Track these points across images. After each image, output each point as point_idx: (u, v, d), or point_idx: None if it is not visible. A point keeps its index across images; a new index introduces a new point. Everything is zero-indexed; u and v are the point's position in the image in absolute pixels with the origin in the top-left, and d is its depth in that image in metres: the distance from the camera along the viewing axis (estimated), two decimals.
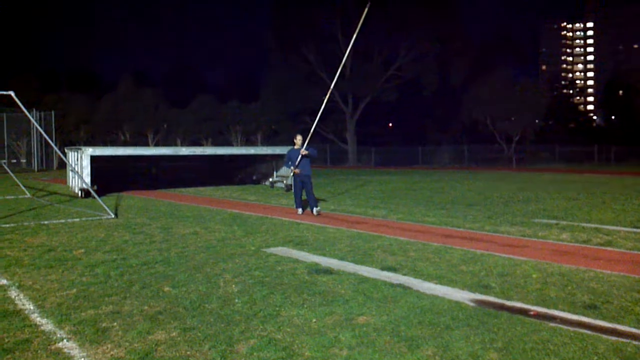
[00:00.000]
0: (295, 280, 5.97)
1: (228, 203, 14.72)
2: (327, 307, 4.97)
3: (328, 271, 6.34)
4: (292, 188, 12.39)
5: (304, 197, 12.24)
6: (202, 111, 52.09)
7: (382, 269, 6.47)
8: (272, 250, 7.74)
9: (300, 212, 11.97)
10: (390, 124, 58.79)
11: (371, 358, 3.82)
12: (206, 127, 51.70)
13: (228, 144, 48.47)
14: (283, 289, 5.62)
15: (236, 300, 5.21)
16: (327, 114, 47.82)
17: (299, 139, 12.20)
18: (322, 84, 43.82)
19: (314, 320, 4.62)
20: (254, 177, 21.90)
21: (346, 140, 50.08)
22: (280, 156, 20.04)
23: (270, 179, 20.80)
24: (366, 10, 12.12)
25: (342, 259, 7.07)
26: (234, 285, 5.77)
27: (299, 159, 11.91)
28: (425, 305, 4.99)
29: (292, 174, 12.10)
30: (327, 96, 12.84)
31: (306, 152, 11.97)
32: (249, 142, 50.14)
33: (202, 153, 19.87)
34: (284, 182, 19.02)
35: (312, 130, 12.69)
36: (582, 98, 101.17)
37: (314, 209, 11.80)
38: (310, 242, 8.40)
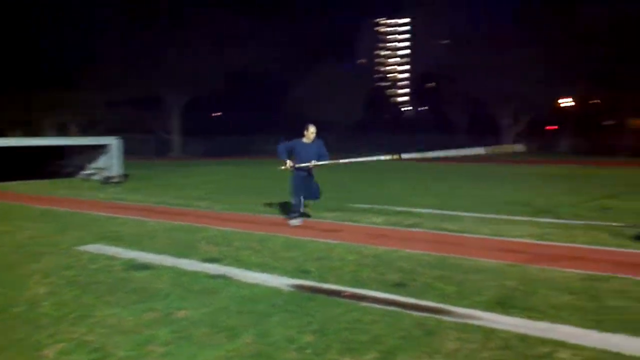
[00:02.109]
0: (110, 278, 5.64)
1: (38, 199, 13.50)
2: (144, 303, 4.77)
3: (145, 266, 6.08)
4: (292, 187, 9.03)
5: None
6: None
7: (204, 260, 6.36)
8: (86, 247, 7.24)
9: (297, 223, 8.88)
10: (218, 114, 58.22)
11: (189, 352, 3.74)
12: (10, 116, 46.72)
13: (39, 134, 44.38)
14: (96, 288, 5.28)
15: (44, 303, 4.80)
16: (150, 103, 46.08)
17: (311, 130, 8.91)
18: (144, 72, 42.05)
19: (129, 318, 4.40)
20: (67, 170, 20.33)
21: (171, 130, 48.61)
22: (96, 147, 18.86)
23: (85, 172, 19.47)
24: None
25: (161, 252, 6.83)
26: (43, 287, 5.31)
27: (308, 157, 8.88)
28: (245, 295, 5.00)
29: (290, 169, 8.95)
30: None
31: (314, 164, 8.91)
32: (62, 133, 46.38)
33: (4, 144, 17.95)
34: (101, 174, 17.92)
35: None
36: (397, 90, 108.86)
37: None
38: (127, 237, 7.99)
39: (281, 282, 5.42)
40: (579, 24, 40.34)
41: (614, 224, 8.52)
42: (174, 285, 5.33)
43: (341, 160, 9.37)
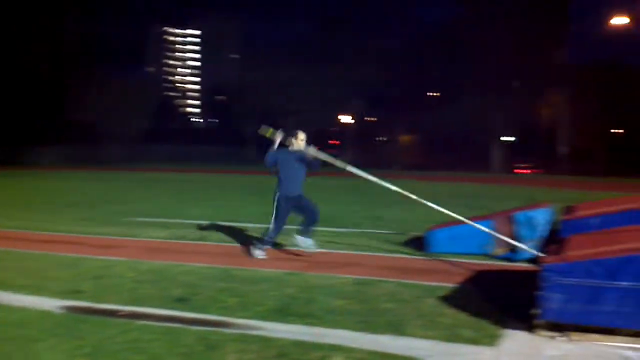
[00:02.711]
0: None
1: None
2: None
3: None
4: (275, 215, 7.11)
5: None
6: None
7: None
8: None
9: (262, 255, 7.13)
10: None
11: None
12: None
13: None
14: None
15: None
16: None
17: (301, 137, 7.15)
18: None
19: None
20: None
21: None
22: None
23: None
24: None
25: None
26: None
27: (296, 173, 7.14)
28: (12, 319, 4.49)
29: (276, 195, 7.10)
30: None
31: (314, 155, 7.19)
32: None
33: None
34: None
35: None
36: (187, 101, 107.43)
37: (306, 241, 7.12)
38: None
39: (52, 304, 4.94)
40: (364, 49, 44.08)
41: (384, 231, 9.35)
42: None
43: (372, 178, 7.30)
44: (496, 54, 38.54)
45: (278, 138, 7.21)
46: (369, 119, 52.94)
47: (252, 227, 9.65)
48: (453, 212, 6.94)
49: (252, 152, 48.92)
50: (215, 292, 5.39)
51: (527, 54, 38.49)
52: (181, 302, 5.07)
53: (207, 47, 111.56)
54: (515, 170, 42.06)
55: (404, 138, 59.20)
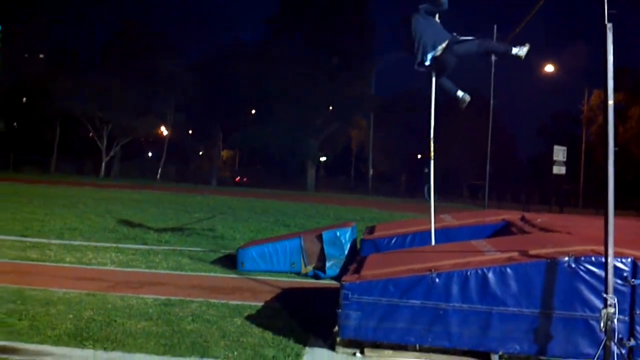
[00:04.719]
0: None
1: None
2: None
3: None
4: None
5: None
6: None
7: None
8: None
9: None
10: None
11: None
12: None
13: None
14: None
15: None
16: None
17: None
18: None
19: None
20: None
21: None
22: None
23: None
24: None
25: None
26: None
27: None
28: None
29: None
30: None
31: None
32: None
33: None
34: None
35: None
36: None
37: None
38: None
39: None
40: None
41: (195, 248, 9.15)
42: None
43: None
44: (310, 79, 40.52)
45: None
46: (189, 131, 51.90)
47: (56, 243, 8.87)
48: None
49: (60, 160, 45.48)
50: (3, 315, 4.82)
51: (338, 85, 41.15)
52: None
53: (9, 42, 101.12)
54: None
55: (223, 153, 59.16)
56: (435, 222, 6.43)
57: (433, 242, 6.21)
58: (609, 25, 3.74)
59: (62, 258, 7.73)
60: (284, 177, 46.92)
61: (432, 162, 6.59)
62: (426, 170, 42.29)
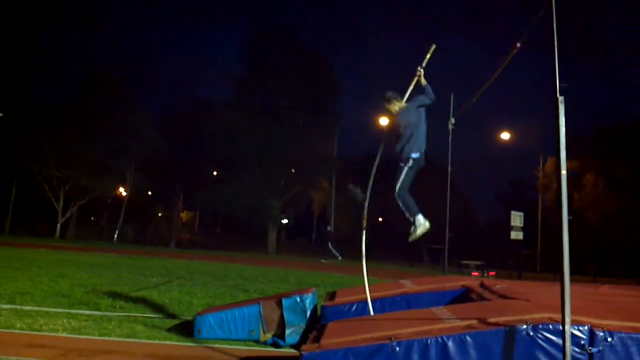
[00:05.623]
0: None
1: None
2: None
3: None
4: None
5: None
6: None
7: None
8: None
9: None
10: None
11: None
12: None
13: None
14: None
15: None
16: None
17: None
18: None
19: None
20: None
21: None
22: None
23: None
24: None
25: None
26: None
27: None
28: None
29: None
30: None
31: None
32: None
33: None
34: None
35: None
36: None
37: None
38: None
39: None
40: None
41: (149, 315, 8.86)
42: None
43: None
44: (274, 139, 40.92)
45: None
46: (148, 192, 51.25)
47: (4, 308, 8.48)
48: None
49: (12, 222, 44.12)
50: None
51: (300, 149, 41.69)
52: None
53: None
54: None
55: (183, 215, 58.42)
56: (395, 288, 6.46)
57: (372, 312, 6.42)
58: (561, 98, 3.93)
59: (12, 324, 7.38)
60: (245, 239, 46.44)
61: (364, 232, 7.05)
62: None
